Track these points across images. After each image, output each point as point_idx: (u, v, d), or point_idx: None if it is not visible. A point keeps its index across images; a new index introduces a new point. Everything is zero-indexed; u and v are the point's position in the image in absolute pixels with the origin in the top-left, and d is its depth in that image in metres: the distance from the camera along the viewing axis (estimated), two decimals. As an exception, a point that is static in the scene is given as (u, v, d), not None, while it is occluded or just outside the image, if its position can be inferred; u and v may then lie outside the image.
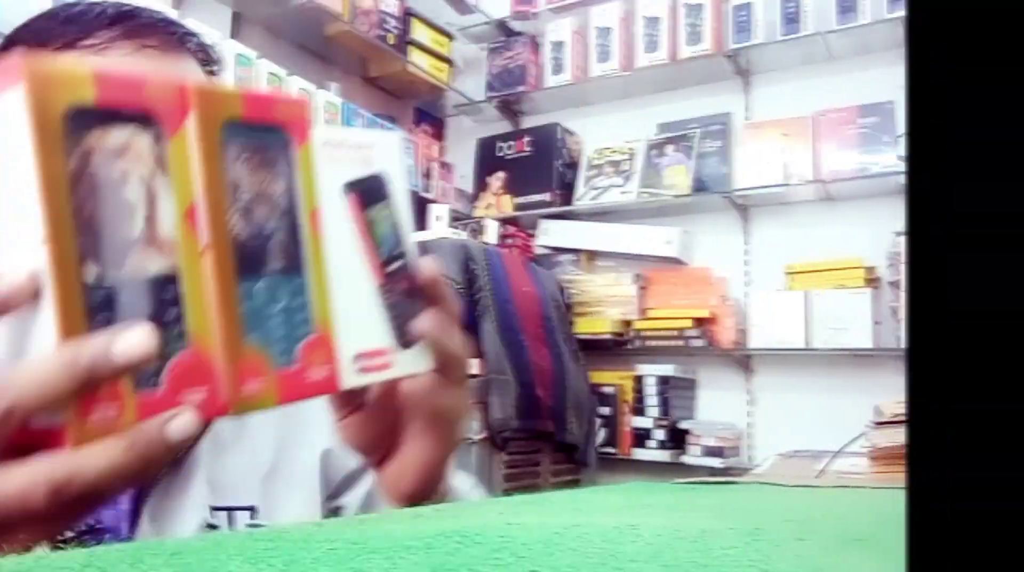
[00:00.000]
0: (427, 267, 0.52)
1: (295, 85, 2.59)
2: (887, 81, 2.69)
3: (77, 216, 0.36)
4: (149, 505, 0.62)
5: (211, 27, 2.23)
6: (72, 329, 0.35)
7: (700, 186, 2.97)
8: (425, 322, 0.51)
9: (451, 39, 3.49)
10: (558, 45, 3.34)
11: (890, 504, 0.46)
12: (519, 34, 3.46)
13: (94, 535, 0.61)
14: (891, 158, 2.66)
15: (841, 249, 2.73)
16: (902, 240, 2.48)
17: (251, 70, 2.47)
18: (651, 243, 3.07)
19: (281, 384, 0.43)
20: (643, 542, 0.31)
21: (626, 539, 0.31)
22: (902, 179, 2.39)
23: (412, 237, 0.53)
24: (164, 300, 0.39)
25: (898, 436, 1.46)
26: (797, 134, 2.84)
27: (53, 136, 0.35)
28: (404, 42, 3.21)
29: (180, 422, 0.37)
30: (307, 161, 0.46)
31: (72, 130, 0.36)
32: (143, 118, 0.39)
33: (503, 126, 3.54)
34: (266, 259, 0.44)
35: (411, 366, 0.51)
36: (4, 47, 0.67)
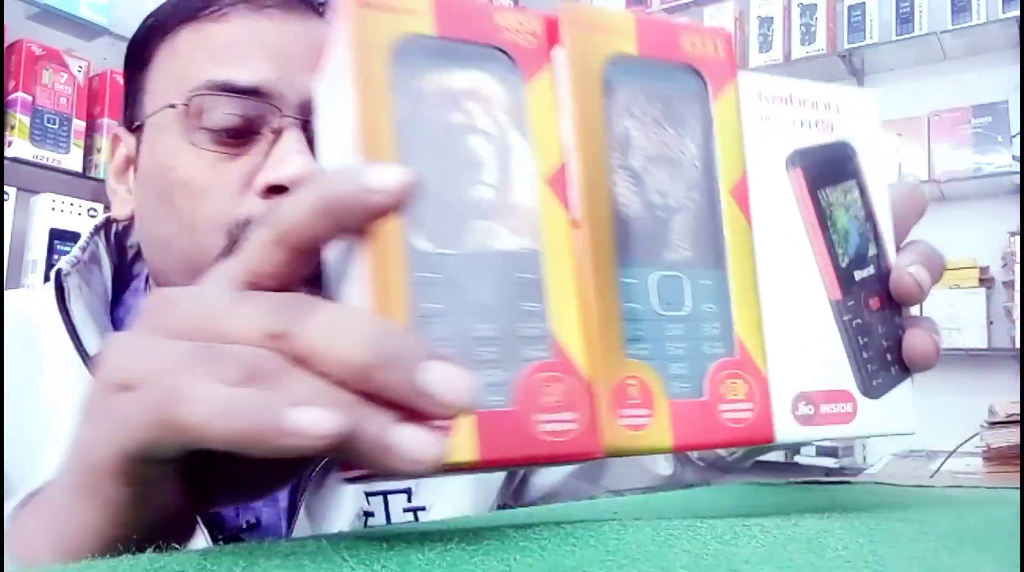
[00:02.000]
0: (910, 275, 0.38)
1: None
2: (1001, 81, 2.70)
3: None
4: (306, 499, 0.60)
5: None
6: (389, 307, 0.28)
7: (814, 184, 3.00)
8: (916, 360, 0.39)
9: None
10: (672, 45, 3.38)
11: (1005, 504, 0.47)
12: (633, 34, 3.52)
13: (252, 532, 0.59)
14: (1005, 158, 2.66)
15: (955, 249, 2.68)
16: (1016, 240, 2.52)
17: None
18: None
19: (677, 420, 0.32)
20: (757, 543, 0.30)
21: (740, 540, 0.30)
22: (1016, 179, 2.42)
23: (890, 234, 0.40)
24: (516, 287, 0.30)
25: (1012, 436, 1.50)
26: (911, 134, 2.85)
27: (376, 70, 0.29)
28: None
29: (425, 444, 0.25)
30: (730, 117, 0.35)
31: (401, 66, 0.29)
32: (492, 54, 0.31)
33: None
34: (664, 244, 0.34)
35: (880, 424, 0.38)
36: (141, 34, 0.64)
